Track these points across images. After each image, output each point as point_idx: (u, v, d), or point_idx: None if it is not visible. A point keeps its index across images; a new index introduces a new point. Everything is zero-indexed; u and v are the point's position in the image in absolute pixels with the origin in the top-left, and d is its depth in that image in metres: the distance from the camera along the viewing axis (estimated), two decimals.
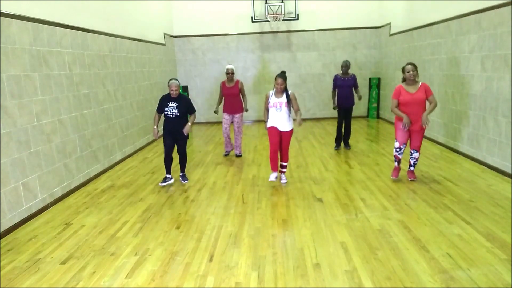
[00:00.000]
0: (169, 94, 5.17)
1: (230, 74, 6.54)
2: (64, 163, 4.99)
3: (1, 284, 3.01)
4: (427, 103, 4.73)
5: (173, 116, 5.13)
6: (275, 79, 4.84)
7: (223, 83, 6.72)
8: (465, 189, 4.67)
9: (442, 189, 4.71)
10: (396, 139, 4.97)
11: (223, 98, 6.75)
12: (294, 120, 4.92)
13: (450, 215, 3.94)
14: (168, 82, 5.15)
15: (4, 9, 4.00)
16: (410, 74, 4.67)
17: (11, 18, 4.10)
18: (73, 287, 2.93)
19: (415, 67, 4.70)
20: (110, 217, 4.28)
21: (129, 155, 7.13)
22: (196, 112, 5.42)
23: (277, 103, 4.88)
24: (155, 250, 3.45)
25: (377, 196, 4.57)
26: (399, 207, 4.21)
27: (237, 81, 6.67)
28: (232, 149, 7.02)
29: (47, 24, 4.76)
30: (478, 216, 3.89)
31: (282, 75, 4.86)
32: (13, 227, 4.00)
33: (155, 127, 5.31)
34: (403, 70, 4.77)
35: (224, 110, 6.73)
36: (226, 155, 6.95)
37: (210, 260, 3.24)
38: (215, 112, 6.94)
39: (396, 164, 5.12)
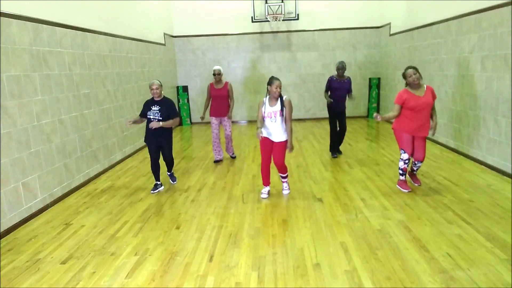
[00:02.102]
0: (152, 98, 4.88)
1: (217, 75, 6.14)
2: (64, 163, 4.99)
3: (1, 284, 3.01)
4: None
5: (156, 120, 4.78)
6: (272, 83, 4.28)
7: (211, 85, 6.29)
8: (465, 189, 4.67)
9: (442, 189, 4.71)
10: (403, 150, 4.59)
11: (211, 100, 6.31)
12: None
13: (450, 215, 3.94)
14: (150, 82, 4.83)
15: (4, 9, 4.00)
16: (413, 79, 4.34)
17: (11, 18, 4.10)
18: (73, 287, 2.93)
19: (416, 70, 4.38)
20: (110, 217, 4.28)
21: (129, 155, 7.13)
22: (178, 118, 4.95)
23: (271, 112, 4.37)
24: (155, 250, 3.45)
25: (377, 196, 4.57)
26: (399, 207, 4.21)
27: (226, 83, 6.26)
28: (222, 158, 6.59)
29: (47, 24, 4.76)
30: (478, 216, 3.89)
31: (276, 78, 4.33)
32: (13, 227, 4.00)
33: (131, 120, 4.92)
34: (404, 76, 4.45)
35: (211, 114, 6.30)
36: (216, 161, 6.49)
37: (210, 260, 3.24)
38: (202, 118, 6.25)
39: (403, 177, 4.73)
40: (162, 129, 4.82)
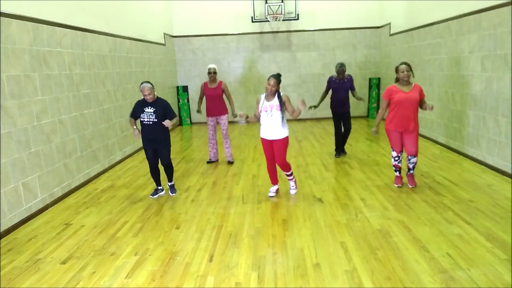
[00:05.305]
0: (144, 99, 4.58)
1: (212, 73, 6.02)
2: (64, 163, 4.99)
3: (1, 284, 3.01)
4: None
5: (151, 122, 4.52)
6: (268, 79, 4.36)
7: (204, 84, 6.20)
8: (465, 189, 4.67)
9: (442, 189, 4.71)
10: (392, 148, 4.81)
11: (206, 101, 6.20)
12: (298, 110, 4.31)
13: (450, 215, 3.94)
14: (140, 86, 4.53)
15: (4, 9, 4.00)
16: (405, 75, 4.48)
17: (11, 18, 4.10)
18: (73, 287, 2.93)
19: (409, 67, 4.51)
20: (110, 217, 4.27)
21: (129, 155, 7.13)
22: (177, 118, 4.73)
23: (267, 106, 4.40)
24: (155, 250, 3.45)
25: (377, 196, 4.57)
26: (399, 207, 4.21)
27: (220, 82, 6.16)
28: (218, 159, 6.53)
29: (47, 24, 4.76)
30: (478, 216, 3.89)
31: (276, 75, 4.36)
32: (13, 227, 4.00)
33: (135, 127, 4.70)
34: (397, 70, 4.57)
35: (208, 114, 6.18)
36: (209, 162, 6.46)
37: (210, 260, 3.24)
38: (198, 111, 6.26)
39: (397, 173, 4.90)
40: (158, 131, 4.58)
